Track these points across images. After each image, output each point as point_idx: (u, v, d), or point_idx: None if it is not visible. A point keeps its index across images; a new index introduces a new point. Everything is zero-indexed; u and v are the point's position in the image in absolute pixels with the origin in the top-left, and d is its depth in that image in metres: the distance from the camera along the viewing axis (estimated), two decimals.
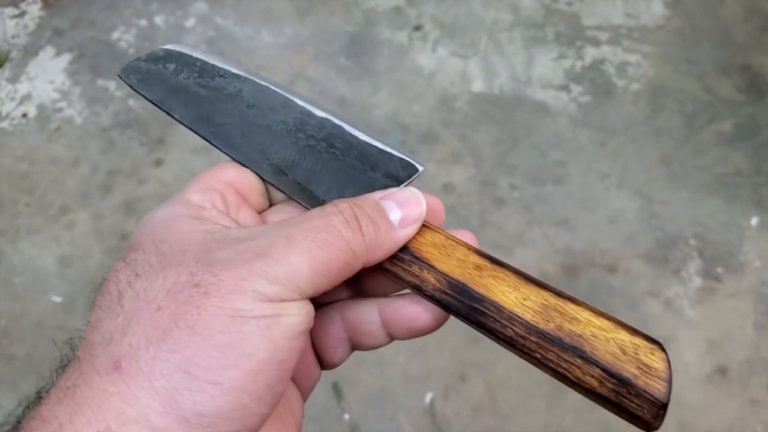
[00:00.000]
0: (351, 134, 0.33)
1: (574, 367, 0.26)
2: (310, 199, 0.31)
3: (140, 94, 0.34)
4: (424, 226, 0.30)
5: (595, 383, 0.26)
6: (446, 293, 0.28)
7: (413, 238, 0.29)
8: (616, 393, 0.25)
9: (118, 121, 1.42)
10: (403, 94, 1.43)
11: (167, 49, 0.36)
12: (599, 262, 1.17)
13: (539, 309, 0.27)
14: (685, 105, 1.37)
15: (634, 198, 1.25)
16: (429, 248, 0.29)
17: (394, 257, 0.29)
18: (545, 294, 0.28)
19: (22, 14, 1.63)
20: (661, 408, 0.25)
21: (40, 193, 1.33)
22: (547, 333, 0.26)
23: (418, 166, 0.32)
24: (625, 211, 1.23)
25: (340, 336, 0.31)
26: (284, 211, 0.32)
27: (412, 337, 0.30)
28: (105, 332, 0.24)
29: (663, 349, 0.26)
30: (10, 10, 1.64)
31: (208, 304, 0.23)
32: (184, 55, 0.36)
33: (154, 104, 0.34)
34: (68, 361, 0.24)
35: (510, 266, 0.29)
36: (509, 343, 0.27)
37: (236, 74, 0.35)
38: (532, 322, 0.27)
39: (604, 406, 0.26)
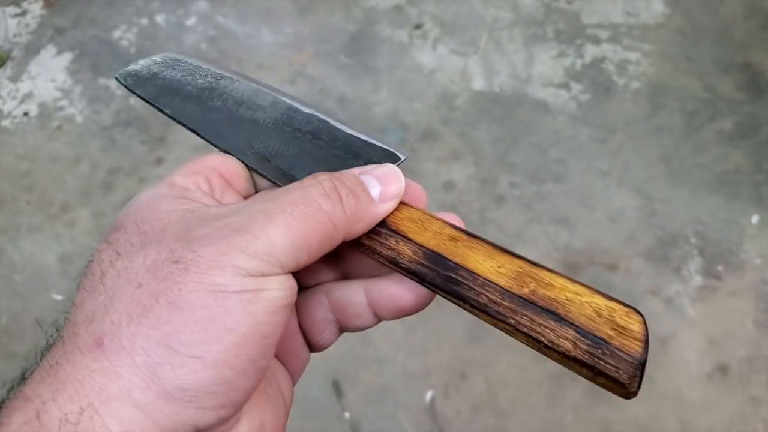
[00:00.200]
0: (336, 127, 0.33)
1: (547, 330, 0.26)
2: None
3: (134, 93, 0.36)
4: (403, 203, 0.30)
5: (569, 346, 0.25)
6: (422, 264, 0.28)
7: (391, 213, 0.29)
8: (590, 354, 0.25)
9: (119, 120, 1.43)
10: (403, 92, 1.43)
11: (164, 55, 0.37)
12: (599, 260, 1.17)
13: (513, 276, 0.27)
14: (686, 103, 1.37)
15: (635, 196, 1.25)
16: (406, 222, 0.29)
17: (371, 232, 0.29)
18: (520, 262, 0.28)
19: (24, 13, 1.64)
20: (637, 368, 0.25)
21: (40, 191, 1.33)
22: (521, 297, 0.27)
23: (400, 155, 0.32)
24: (625, 209, 1.23)
25: (327, 318, 0.31)
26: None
27: (398, 317, 0.30)
28: (87, 311, 0.24)
29: (640, 314, 0.26)
30: (12, 9, 1.64)
31: (188, 279, 0.23)
32: (179, 60, 0.37)
33: (147, 102, 0.35)
34: (53, 342, 0.24)
35: (486, 239, 0.29)
36: (483, 311, 0.27)
37: (228, 76, 0.36)
38: (506, 287, 0.27)
39: (581, 372, 0.26)
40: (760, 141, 1.31)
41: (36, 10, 1.64)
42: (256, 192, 0.33)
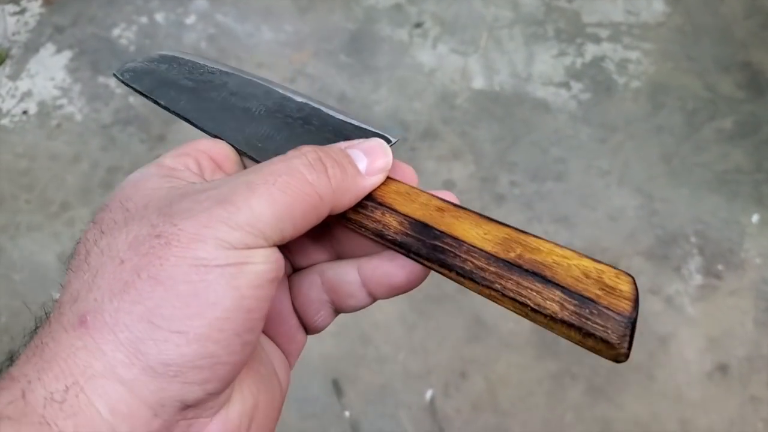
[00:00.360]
0: (328, 114, 0.33)
1: (533, 293, 0.25)
2: None
3: (131, 87, 0.36)
4: (390, 179, 0.30)
5: (555, 308, 0.25)
6: (407, 234, 0.28)
7: (378, 187, 0.29)
8: (577, 315, 0.24)
9: (118, 118, 1.42)
10: (403, 91, 1.43)
11: (163, 53, 0.38)
12: (600, 259, 1.17)
13: (500, 241, 0.27)
14: (686, 102, 1.37)
15: (635, 195, 1.25)
16: (393, 195, 0.29)
17: (358, 206, 0.29)
18: (507, 229, 0.27)
19: (23, 11, 1.63)
20: (626, 327, 0.24)
21: (40, 189, 1.33)
22: (507, 261, 0.26)
23: (391, 137, 0.32)
24: (625, 208, 1.23)
25: (321, 298, 0.31)
26: None
27: (392, 295, 0.30)
28: (72, 290, 0.24)
29: (630, 276, 0.25)
30: (11, 7, 1.64)
31: (170, 254, 0.23)
32: (177, 57, 0.37)
33: (143, 94, 0.35)
34: (40, 324, 0.24)
35: (474, 210, 0.29)
36: (469, 278, 0.26)
37: (225, 71, 0.36)
38: (492, 252, 0.26)
39: (569, 336, 0.25)
40: (760, 140, 1.31)
41: (35, 8, 1.64)
42: None
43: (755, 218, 1.21)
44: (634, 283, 0.25)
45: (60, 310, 0.24)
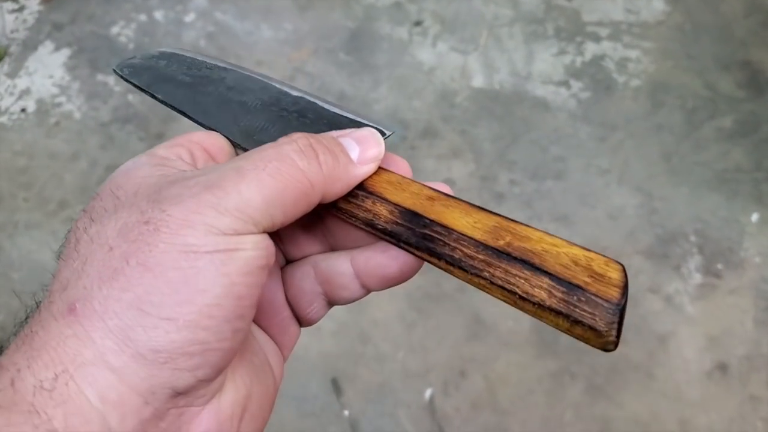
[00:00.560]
0: (323, 107, 0.33)
1: (521, 281, 0.25)
2: None
3: (130, 82, 0.36)
4: (382, 168, 0.30)
5: (543, 295, 0.25)
6: (397, 223, 0.28)
7: (369, 177, 0.29)
8: (565, 302, 0.24)
9: (117, 116, 1.42)
10: (403, 89, 1.43)
11: (162, 50, 0.38)
12: None
13: (489, 230, 0.27)
14: (686, 101, 1.37)
15: (634, 194, 1.25)
16: (384, 184, 0.29)
17: (349, 195, 0.29)
18: (497, 218, 0.27)
19: (21, 9, 1.63)
20: (614, 314, 0.24)
21: (38, 187, 1.32)
22: (496, 249, 0.26)
23: (386, 131, 0.32)
24: (625, 207, 1.23)
25: (314, 290, 0.31)
26: None
27: (385, 287, 0.30)
28: (62, 279, 0.24)
29: (620, 264, 0.25)
30: (9, 5, 1.64)
31: (159, 240, 0.23)
32: (177, 54, 0.37)
33: (141, 89, 0.35)
34: (31, 312, 0.24)
35: (465, 200, 0.28)
36: (458, 266, 0.26)
37: (223, 67, 0.36)
38: (481, 240, 0.26)
39: (558, 324, 0.25)
40: (760, 139, 1.31)
41: (33, 5, 1.63)
42: None
43: (755, 217, 1.21)
44: (624, 271, 0.25)
45: (50, 298, 0.23)
